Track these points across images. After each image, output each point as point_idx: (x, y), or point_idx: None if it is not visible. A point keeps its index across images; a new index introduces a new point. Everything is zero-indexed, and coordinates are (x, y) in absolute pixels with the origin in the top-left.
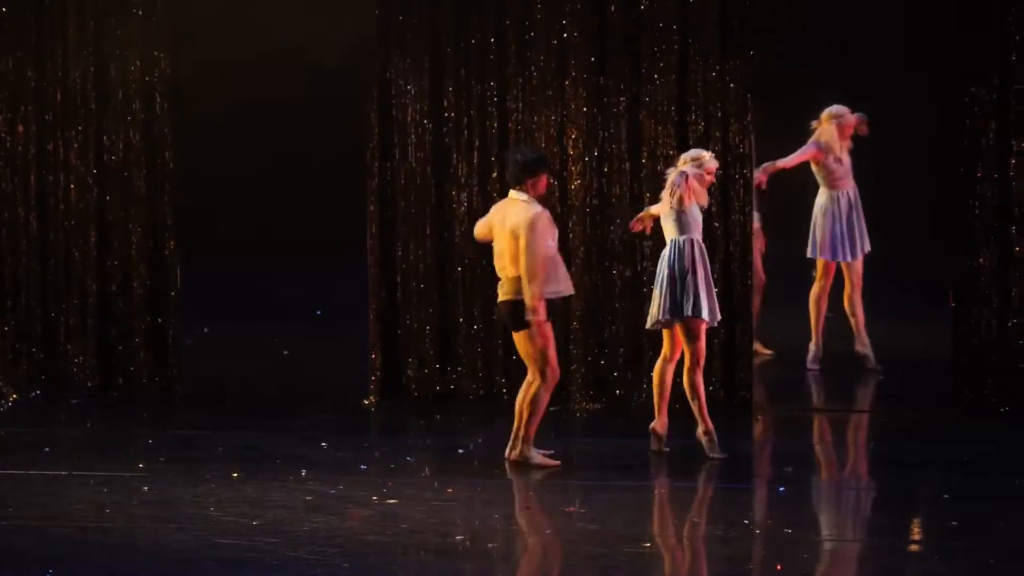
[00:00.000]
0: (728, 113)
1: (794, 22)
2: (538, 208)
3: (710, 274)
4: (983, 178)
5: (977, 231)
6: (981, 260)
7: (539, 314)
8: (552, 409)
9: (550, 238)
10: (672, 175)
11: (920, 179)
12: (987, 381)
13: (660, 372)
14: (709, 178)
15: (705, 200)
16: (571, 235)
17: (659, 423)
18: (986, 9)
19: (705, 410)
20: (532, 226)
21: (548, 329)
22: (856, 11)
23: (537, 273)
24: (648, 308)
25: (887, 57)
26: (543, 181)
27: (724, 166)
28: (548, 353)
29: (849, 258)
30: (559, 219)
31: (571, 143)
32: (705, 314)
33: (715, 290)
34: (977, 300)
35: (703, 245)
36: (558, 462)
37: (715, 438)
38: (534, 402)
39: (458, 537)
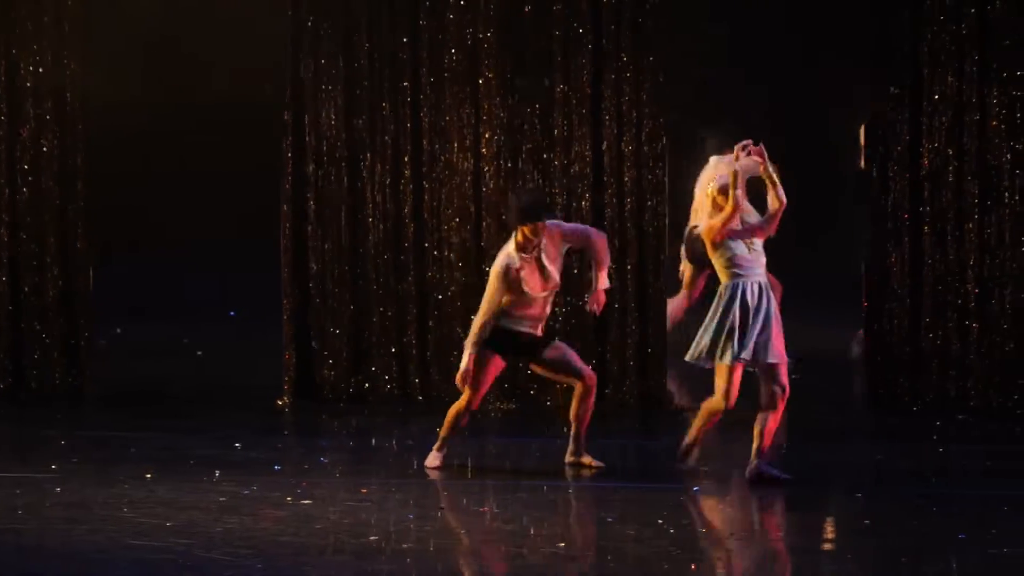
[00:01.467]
0: (642, 114)
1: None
2: (509, 259)
3: (733, 315)
4: (896, 179)
5: (889, 231)
6: (893, 259)
7: (466, 356)
8: None
9: (527, 288)
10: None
11: (834, 179)
12: (899, 380)
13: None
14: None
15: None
16: (484, 235)
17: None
18: (900, 13)
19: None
20: (496, 274)
21: (482, 360)
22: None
23: (480, 315)
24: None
25: (802, 58)
26: (534, 228)
27: (638, 166)
28: (472, 382)
29: None
30: (474, 218)
31: (485, 143)
32: (717, 357)
33: (748, 328)
34: (889, 299)
35: (737, 284)
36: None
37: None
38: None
39: (372, 538)
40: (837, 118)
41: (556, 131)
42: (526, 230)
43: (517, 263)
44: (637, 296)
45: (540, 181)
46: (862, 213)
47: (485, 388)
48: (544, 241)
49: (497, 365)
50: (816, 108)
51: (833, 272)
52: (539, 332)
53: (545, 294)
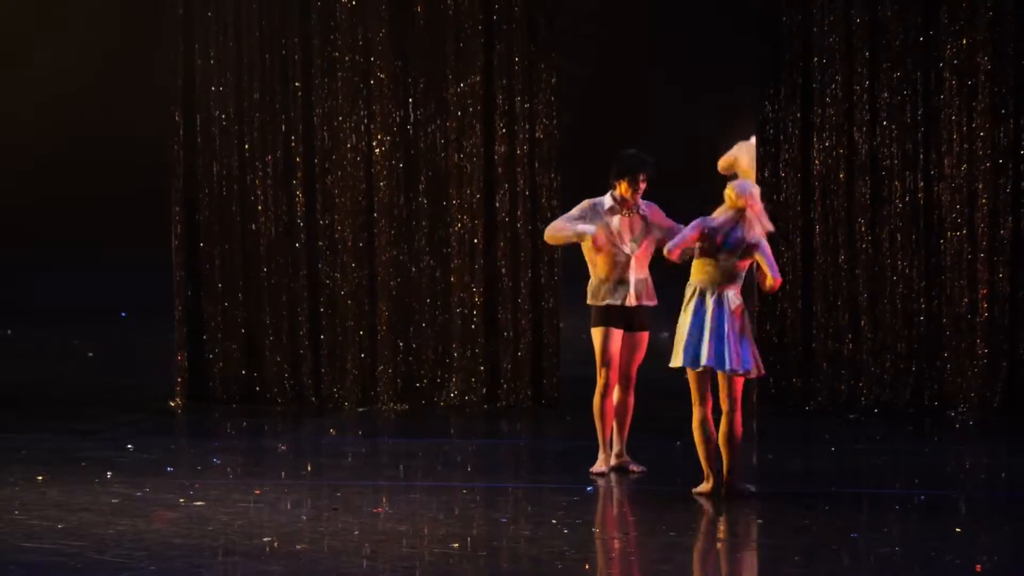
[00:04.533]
0: (535, 113)
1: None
2: (598, 200)
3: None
4: (787, 179)
5: (780, 231)
6: (784, 259)
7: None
8: (360, 410)
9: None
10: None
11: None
12: (792, 380)
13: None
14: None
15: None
16: (377, 235)
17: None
18: (791, 12)
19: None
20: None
21: (603, 337)
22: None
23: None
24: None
25: (691, 58)
26: (620, 186)
27: (531, 166)
28: (601, 358)
29: None
30: (367, 219)
31: (377, 143)
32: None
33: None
34: (781, 299)
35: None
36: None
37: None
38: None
39: (265, 539)
40: (726, 118)
41: (449, 132)
42: (622, 186)
43: (607, 204)
44: (531, 297)
45: (433, 180)
46: None
47: (616, 362)
48: (644, 209)
49: (616, 337)
50: (706, 108)
51: None
52: (630, 301)
53: (627, 252)
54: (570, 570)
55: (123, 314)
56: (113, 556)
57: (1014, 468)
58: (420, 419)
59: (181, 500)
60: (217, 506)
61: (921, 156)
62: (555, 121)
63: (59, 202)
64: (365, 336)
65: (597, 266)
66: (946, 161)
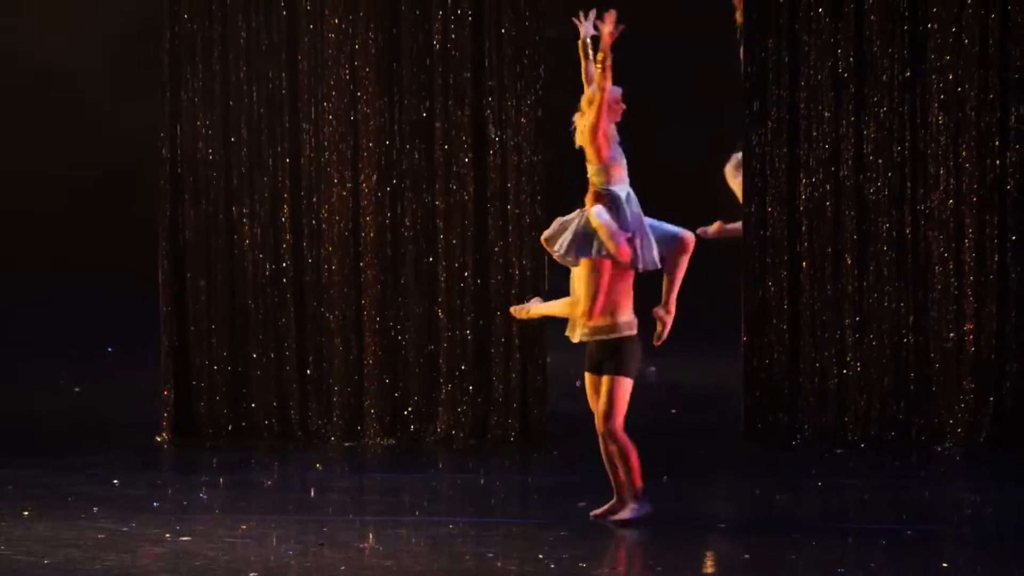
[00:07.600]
0: (523, 142)
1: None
2: None
3: None
4: (773, 213)
5: (768, 266)
6: (771, 293)
7: None
8: (347, 444)
9: None
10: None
11: (707, 208)
12: (778, 414)
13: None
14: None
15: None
16: (364, 270)
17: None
18: (778, 47)
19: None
20: None
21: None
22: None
23: None
24: None
25: (677, 91)
26: None
27: (519, 200)
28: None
29: None
30: (353, 254)
31: (364, 175)
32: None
33: None
34: (768, 333)
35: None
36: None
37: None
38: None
39: (252, 574)
40: (713, 150)
41: (436, 162)
42: None
43: None
44: (520, 331)
45: (420, 214)
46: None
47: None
48: None
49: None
50: (692, 140)
51: (713, 304)
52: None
53: None
54: None
55: (109, 349)
56: None
57: (1001, 503)
58: (407, 454)
59: (167, 535)
60: (203, 541)
61: (908, 191)
62: (541, 156)
63: (40, 235)
64: (352, 371)
65: None
66: (933, 196)
